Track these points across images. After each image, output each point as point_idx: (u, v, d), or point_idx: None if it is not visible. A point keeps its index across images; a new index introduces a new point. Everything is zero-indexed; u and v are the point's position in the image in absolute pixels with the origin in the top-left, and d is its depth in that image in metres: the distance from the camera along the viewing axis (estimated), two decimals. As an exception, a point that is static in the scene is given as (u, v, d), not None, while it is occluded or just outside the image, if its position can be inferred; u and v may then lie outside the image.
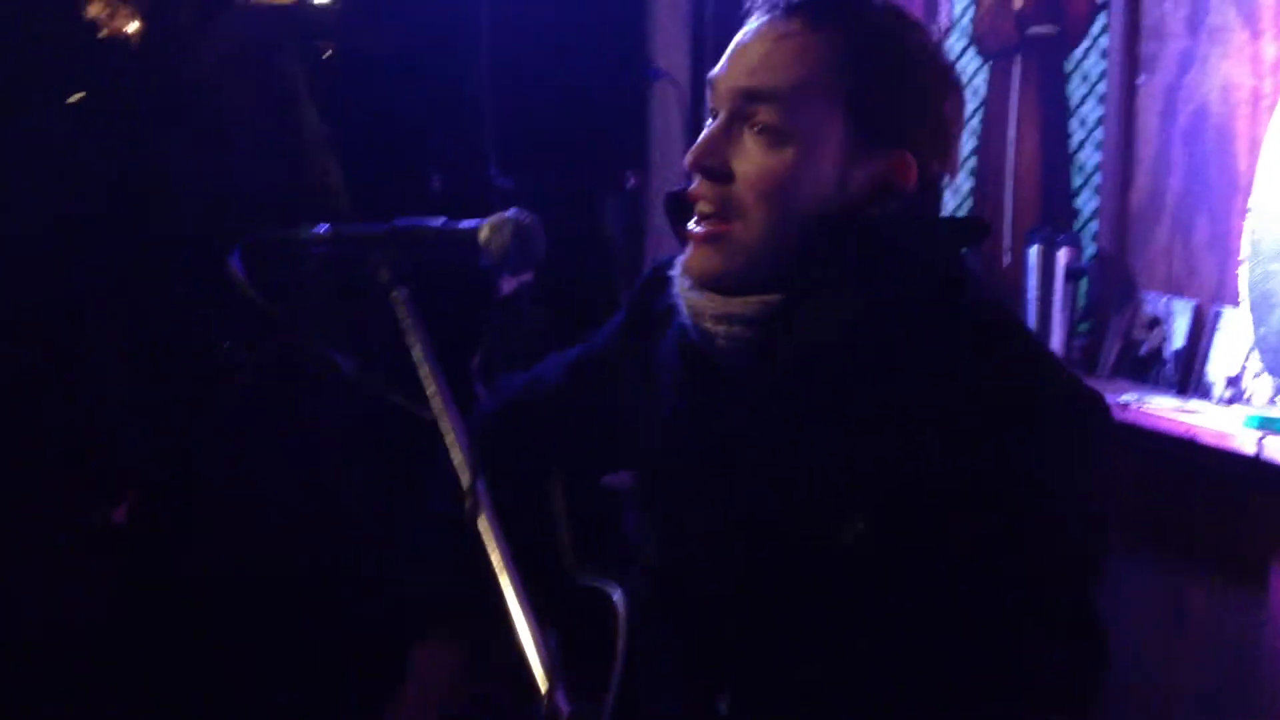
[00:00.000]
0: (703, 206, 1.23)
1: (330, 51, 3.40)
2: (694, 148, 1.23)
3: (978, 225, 1.34)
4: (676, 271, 1.28)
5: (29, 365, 2.60)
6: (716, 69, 1.25)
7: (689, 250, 1.25)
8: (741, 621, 1.24)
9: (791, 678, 1.21)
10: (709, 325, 1.24)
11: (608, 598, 1.30)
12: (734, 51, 1.24)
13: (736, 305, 1.23)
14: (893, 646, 1.16)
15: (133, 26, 3.20)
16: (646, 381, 1.35)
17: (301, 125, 3.10)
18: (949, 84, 1.26)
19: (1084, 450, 1.20)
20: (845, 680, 1.19)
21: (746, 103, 1.21)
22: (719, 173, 1.22)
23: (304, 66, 3.32)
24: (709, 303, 1.24)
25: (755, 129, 1.21)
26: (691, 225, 1.24)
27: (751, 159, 1.21)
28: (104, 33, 3.22)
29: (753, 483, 1.23)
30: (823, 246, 1.21)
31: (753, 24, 1.24)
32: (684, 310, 1.27)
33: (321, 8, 3.46)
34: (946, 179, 1.31)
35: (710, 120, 1.26)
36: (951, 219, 1.33)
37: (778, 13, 1.22)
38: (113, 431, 2.84)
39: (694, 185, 1.24)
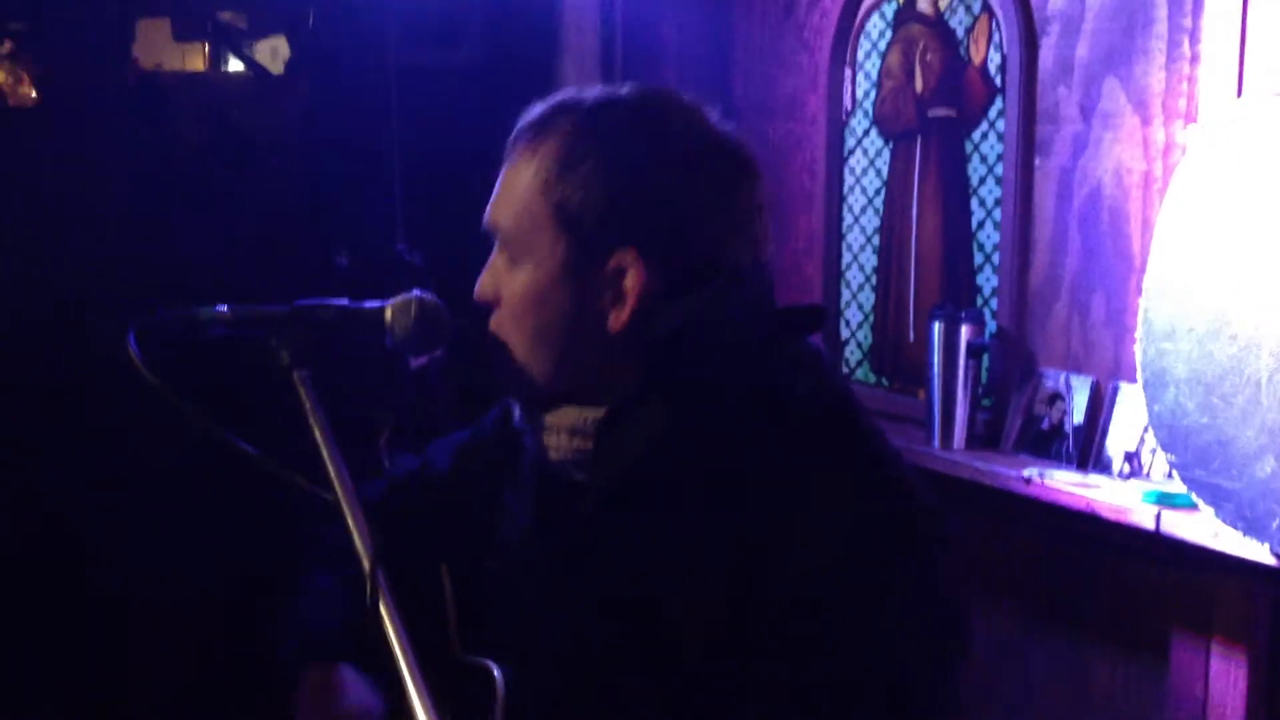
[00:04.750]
0: (491, 331, 1.30)
1: (258, 122, 3.39)
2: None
3: (809, 313, 1.33)
4: None
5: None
6: None
7: None
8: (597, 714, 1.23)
9: None
10: (542, 438, 1.28)
11: (490, 675, 1.29)
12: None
13: (559, 416, 1.27)
14: None
15: (35, 94, 3.16)
16: (517, 476, 1.37)
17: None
18: (692, 167, 1.24)
19: (911, 564, 1.18)
20: None
21: (492, 233, 1.29)
22: (488, 301, 1.30)
23: (215, 137, 3.30)
24: (538, 415, 1.28)
25: (501, 255, 1.28)
26: None
27: (503, 284, 1.28)
28: (9, 100, 3.18)
29: (599, 588, 1.24)
30: (616, 362, 1.24)
31: None
32: (517, 419, 1.32)
33: (233, 78, 3.45)
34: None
35: None
36: (782, 311, 1.30)
37: (512, 138, 1.29)
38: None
39: None
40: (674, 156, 1.24)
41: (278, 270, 3.03)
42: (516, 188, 1.26)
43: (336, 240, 3.07)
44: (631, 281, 1.23)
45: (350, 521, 1.18)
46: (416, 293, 1.32)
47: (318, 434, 1.23)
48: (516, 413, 1.33)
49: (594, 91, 1.29)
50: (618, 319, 1.24)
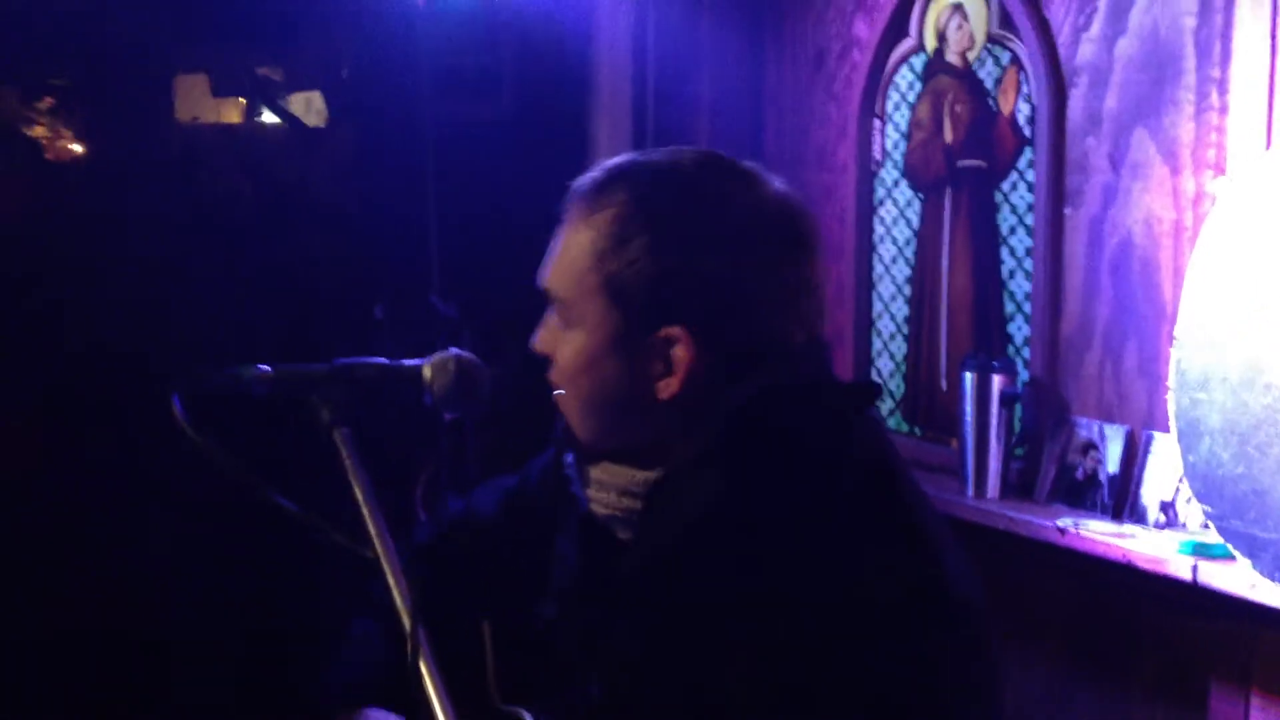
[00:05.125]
0: (551, 383, 1.32)
1: (293, 175, 3.44)
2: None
3: (864, 389, 1.35)
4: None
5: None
6: None
7: None
8: None
9: None
10: (590, 491, 1.30)
11: None
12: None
13: (608, 473, 1.28)
14: None
15: (76, 148, 3.23)
16: (567, 522, 1.38)
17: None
18: (747, 243, 1.24)
19: (938, 658, 1.18)
20: None
21: (546, 296, 1.31)
22: (544, 357, 1.32)
23: (251, 189, 3.35)
24: (588, 470, 1.30)
25: (555, 317, 1.31)
26: None
27: (557, 343, 1.30)
28: (49, 154, 3.24)
29: (637, 645, 1.25)
30: (667, 431, 1.25)
31: None
32: (570, 471, 1.33)
33: (269, 130, 3.50)
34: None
35: None
36: (838, 385, 1.32)
37: (568, 201, 1.30)
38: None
39: None
40: (728, 235, 1.24)
41: (314, 321, 3.06)
42: (570, 254, 1.28)
43: (372, 291, 3.11)
44: (680, 357, 1.24)
45: (390, 579, 1.20)
46: (454, 351, 1.34)
47: (358, 492, 1.25)
48: (569, 458, 1.34)
49: (654, 158, 1.30)
50: (666, 390, 1.25)
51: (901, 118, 2.83)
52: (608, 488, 1.29)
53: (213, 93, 3.55)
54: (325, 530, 1.24)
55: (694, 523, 1.23)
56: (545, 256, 1.31)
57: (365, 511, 1.24)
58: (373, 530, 1.23)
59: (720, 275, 1.24)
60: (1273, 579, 1.91)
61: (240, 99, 3.56)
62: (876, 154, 2.89)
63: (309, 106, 3.53)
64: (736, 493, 1.22)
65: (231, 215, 3.31)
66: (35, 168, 3.19)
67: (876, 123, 2.89)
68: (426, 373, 1.33)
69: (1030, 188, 2.53)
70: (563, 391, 1.30)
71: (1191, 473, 2.04)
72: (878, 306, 2.91)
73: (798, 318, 1.27)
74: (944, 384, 2.75)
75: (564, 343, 1.29)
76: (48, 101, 3.24)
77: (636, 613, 1.26)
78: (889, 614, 1.16)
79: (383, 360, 1.35)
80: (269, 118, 3.51)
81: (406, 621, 1.17)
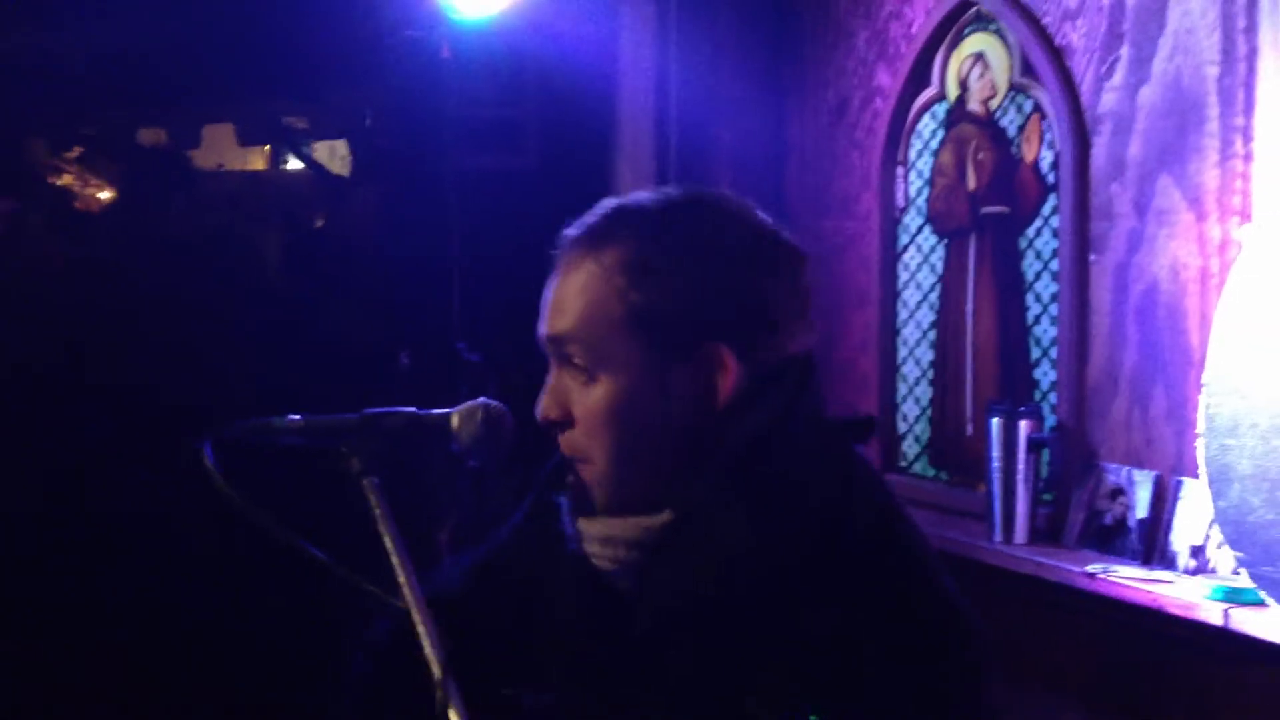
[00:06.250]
0: (564, 451, 1.26)
1: (318, 222, 3.47)
2: (538, 403, 1.26)
3: (862, 424, 1.32)
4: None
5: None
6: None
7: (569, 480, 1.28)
8: None
9: None
10: (593, 549, 1.25)
11: None
12: (543, 298, 1.27)
13: (616, 528, 1.24)
14: None
15: (105, 195, 3.27)
16: (543, 583, 1.32)
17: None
18: (761, 258, 1.24)
19: (954, 687, 1.17)
20: None
21: (557, 348, 1.24)
22: (559, 422, 1.25)
23: (277, 237, 3.38)
24: (589, 526, 1.25)
25: (570, 371, 1.24)
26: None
27: (578, 401, 1.23)
28: (77, 202, 3.28)
29: (647, 694, 1.22)
30: (691, 465, 1.22)
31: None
32: (569, 528, 1.28)
33: (293, 177, 3.54)
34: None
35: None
36: (834, 421, 1.29)
37: (565, 248, 1.25)
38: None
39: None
40: (745, 248, 1.24)
41: (338, 367, 3.08)
42: (582, 297, 1.24)
43: (398, 339, 3.12)
44: (723, 376, 1.22)
45: (421, 629, 1.20)
46: (482, 400, 1.34)
47: (388, 541, 1.25)
48: (565, 520, 1.29)
49: (646, 197, 1.29)
50: (707, 416, 1.22)
51: (924, 165, 2.84)
52: (614, 543, 1.25)
53: (239, 141, 3.60)
54: (355, 580, 1.24)
55: (715, 566, 1.21)
56: (545, 306, 1.26)
57: (395, 560, 1.24)
58: (402, 579, 1.22)
59: (751, 287, 1.23)
60: (1306, 627, 1.90)
61: (266, 147, 3.60)
62: (900, 201, 2.90)
63: (333, 154, 3.56)
64: (763, 534, 1.20)
65: (256, 261, 3.34)
66: (63, 215, 3.23)
67: (899, 170, 2.90)
68: (455, 421, 1.32)
69: (1055, 234, 2.54)
70: (588, 449, 1.24)
71: (1222, 519, 2.02)
72: (902, 352, 2.91)
73: (810, 328, 1.27)
74: (970, 429, 2.74)
75: (587, 395, 1.24)
76: (76, 151, 3.29)
77: (654, 676, 1.23)
78: (914, 647, 1.16)
79: (411, 409, 1.34)
80: (294, 165, 3.54)
81: (437, 671, 1.16)
